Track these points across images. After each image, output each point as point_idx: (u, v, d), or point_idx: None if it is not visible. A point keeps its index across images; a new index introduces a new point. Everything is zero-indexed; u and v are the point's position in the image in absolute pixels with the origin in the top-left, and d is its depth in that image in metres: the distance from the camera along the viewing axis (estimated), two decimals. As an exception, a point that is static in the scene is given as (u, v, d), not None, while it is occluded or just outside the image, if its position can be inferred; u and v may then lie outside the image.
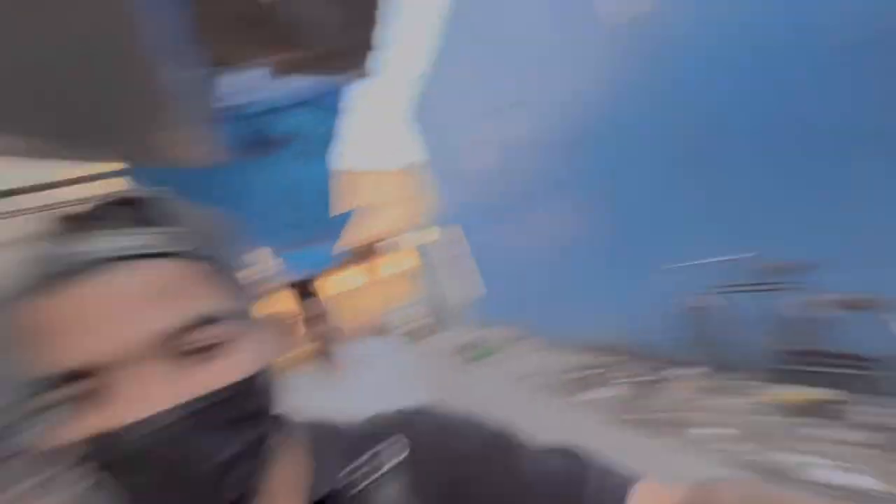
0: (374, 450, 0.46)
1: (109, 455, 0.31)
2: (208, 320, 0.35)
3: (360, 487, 0.43)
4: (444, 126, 7.74)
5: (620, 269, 4.39)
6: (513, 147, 5.67)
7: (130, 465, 0.32)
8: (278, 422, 0.41)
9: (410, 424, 0.48)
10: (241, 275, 0.41)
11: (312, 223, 3.48)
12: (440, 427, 0.48)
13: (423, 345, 9.07)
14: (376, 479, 0.44)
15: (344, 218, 4.09)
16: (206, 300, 0.36)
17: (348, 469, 0.45)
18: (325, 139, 2.15)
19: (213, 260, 0.38)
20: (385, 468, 0.45)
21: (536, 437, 0.50)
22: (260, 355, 0.39)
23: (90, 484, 0.32)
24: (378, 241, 12.49)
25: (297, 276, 7.97)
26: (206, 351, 0.35)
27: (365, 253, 12.70)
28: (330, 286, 12.43)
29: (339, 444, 0.47)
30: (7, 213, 1.93)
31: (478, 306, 8.99)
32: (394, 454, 0.46)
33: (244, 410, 0.36)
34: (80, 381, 0.31)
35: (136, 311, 0.33)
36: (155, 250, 0.35)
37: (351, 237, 5.43)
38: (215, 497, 0.34)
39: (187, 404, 0.33)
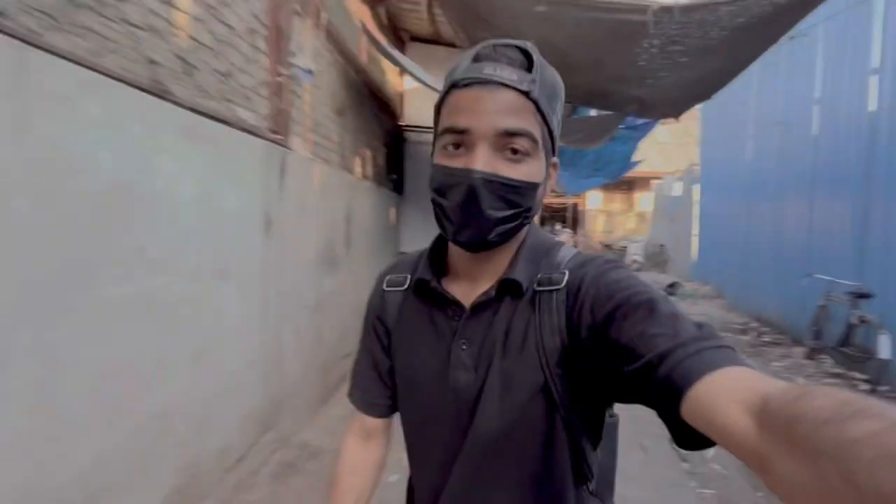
0: (594, 263, 0.63)
1: (452, 180, 0.60)
2: (525, 134, 0.60)
3: (535, 289, 0.66)
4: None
5: (786, 266, 6.06)
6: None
7: (458, 191, 0.60)
8: (529, 218, 0.67)
9: (592, 261, 0.65)
10: (552, 125, 0.64)
11: (606, 171, 7.84)
12: (610, 270, 0.61)
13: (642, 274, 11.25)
14: (549, 290, 0.64)
15: (626, 168, 8.13)
16: (527, 124, 0.61)
17: (533, 272, 0.66)
18: (635, 138, 6.13)
19: (540, 106, 0.61)
20: (555, 284, 0.63)
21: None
22: (542, 175, 0.65)
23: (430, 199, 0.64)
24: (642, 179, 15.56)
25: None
26: (516, 154, 0.60)
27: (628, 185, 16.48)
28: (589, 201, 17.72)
29: (540, 255, 0.69)
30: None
31: (689, 259, 10.95)
32: (566, 275, 0.64)
33: (520, 199, 0.62)
34: (461, 135, 0.61)
35: (495, 113, 0.59)
36: (517, 85, 0.59)
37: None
38: (484, 233, 0.62)
39: (496, 176, 0.60)
